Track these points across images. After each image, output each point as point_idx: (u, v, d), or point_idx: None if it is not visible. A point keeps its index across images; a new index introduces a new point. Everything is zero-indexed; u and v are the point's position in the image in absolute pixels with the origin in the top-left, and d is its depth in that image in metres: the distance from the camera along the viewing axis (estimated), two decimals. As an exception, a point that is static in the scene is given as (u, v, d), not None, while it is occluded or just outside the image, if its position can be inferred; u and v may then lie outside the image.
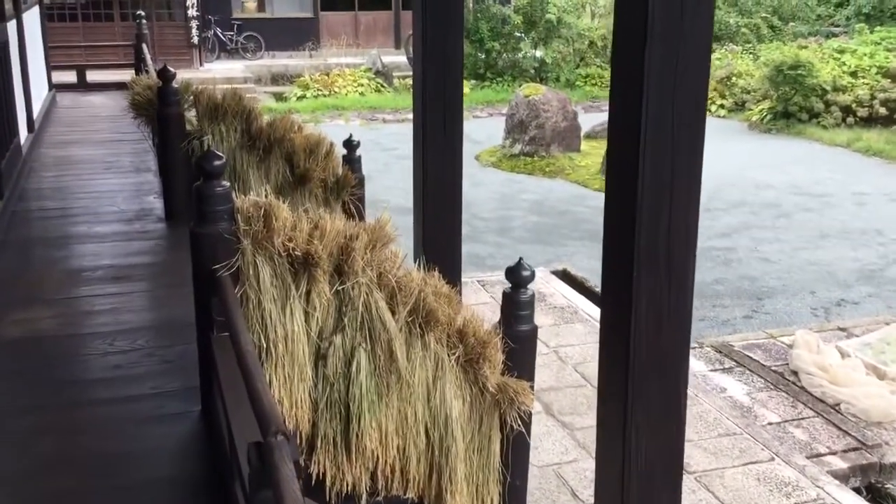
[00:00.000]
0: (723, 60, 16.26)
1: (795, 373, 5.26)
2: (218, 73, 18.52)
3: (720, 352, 5.62)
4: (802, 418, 4.79)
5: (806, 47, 14.94)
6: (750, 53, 17.22)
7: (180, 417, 2.87)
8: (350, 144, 5.33)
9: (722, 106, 15.29)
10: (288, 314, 2.82)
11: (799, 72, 13.32)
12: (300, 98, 16.95)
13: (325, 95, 16.86)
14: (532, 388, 3.10)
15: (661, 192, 2.87)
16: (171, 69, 4.86)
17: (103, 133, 7.72)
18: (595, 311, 6.21)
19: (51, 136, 7.56)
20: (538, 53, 17.77)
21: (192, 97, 4.96)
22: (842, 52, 14.65)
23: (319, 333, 2.86)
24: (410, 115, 16.98)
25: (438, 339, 3.00)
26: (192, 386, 2.99)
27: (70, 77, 10.65)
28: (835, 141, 12.96)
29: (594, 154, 11.86)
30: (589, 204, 9.92)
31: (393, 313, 2.93)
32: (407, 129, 16.03)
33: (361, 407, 2.88)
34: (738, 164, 11.98)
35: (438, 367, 3.01)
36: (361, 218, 5.42)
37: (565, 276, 7.32)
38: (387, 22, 22.03)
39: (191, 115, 5.04)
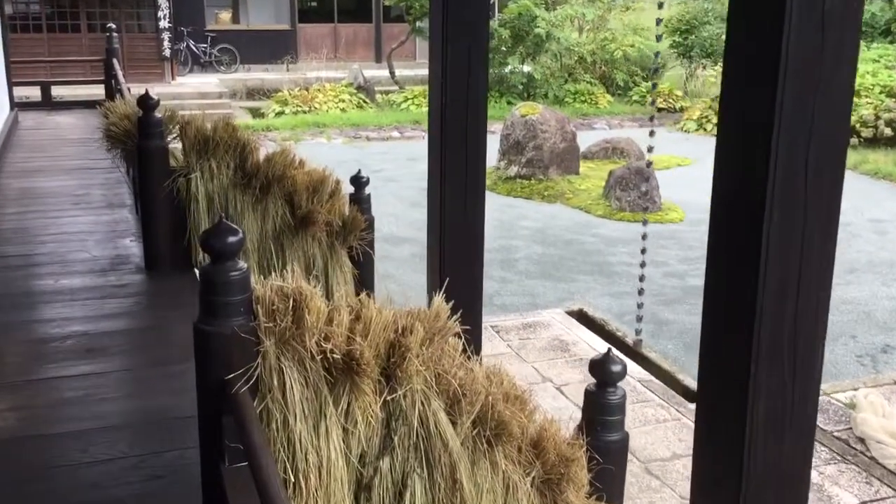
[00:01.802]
0: (719, 78, 15.84)
1: (862, 440, 4.66)
2: (191, 87, 17.77)
3: (772, 412, 5.01)
4: (882, 499, 4.19)
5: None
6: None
7: (180, 571, 2.19)
8: (358, 181, 4.69)
9: (708, 119, 14.82)
10: (322, 435, 2.16)
11: (802, 91, 12.75)
12: (278, 114, 16.22)
13: (304, 112, 16.13)
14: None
15: (789, 269, 2.28)
16: (154, 96, 4.17)
17: (71, 159, 6.99)
18: (627, 364, 5.58)
19: (12, 162, 6.82)
20: (526, 69, 17.20)
21: (178, 128, 4.28)
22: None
23: (361, 457, 2.22)
24: (395, 133, 16.36)
25: (509, 456, 2.37)
26: (191, 518, 2.31)
27: (32, 92, 9.87)
28: (840, 163, 12.43)
29: (593, 176, 11.27)
30: (595, 232, 9.32)
31: (454, 425, 2.29)
32: (392, 148, 15.50)
33: (416, 552, 2.24)
34: (743, 187, 11.45)
35: (510, 492, 2.38)
36: (371, 265, 4.78)
37: (582, 318, 6.70)
38: (367, 35, 21.38)
39: (175, 147, 4.38)
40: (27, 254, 4.56)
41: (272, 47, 20.24)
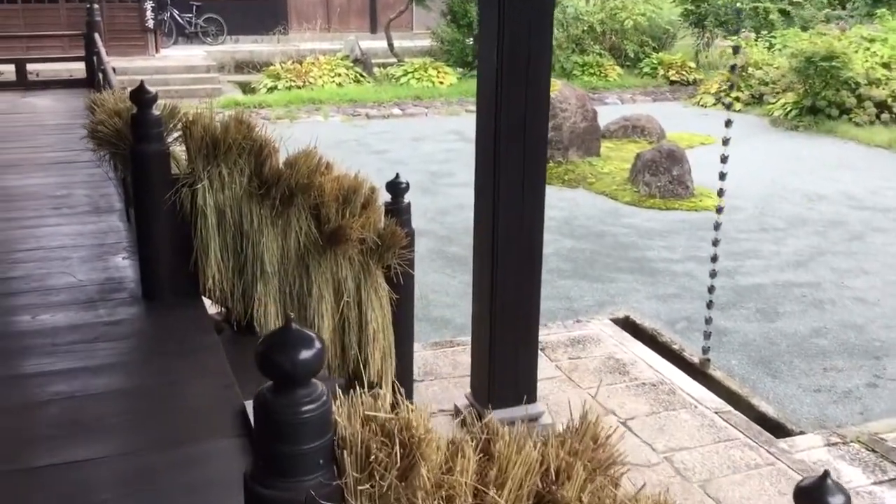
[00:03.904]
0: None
1: None
2: (176, 60, 16.82)
3: (874, 450, 4.33)
4: None
5: (824, 34, 13.74)
6: (765, 41, 16.01)
7: None
8: (396, 188, 3.93)
9: (737, 99, 14.04)
10: None
11: (833, 63, 12.12)
12: (270, 90, 15.30)
13: (298, 87, 15.22)
14: None
15: None
16: (150, 89, 3.37)
17: (50, 151, 6.17)
18: (697, 390, 4.87)
19: (-17, 155, 6.00)
20: (531, 40, 16.27)
21: (181, 127, 3.50)
22: (872, 40, 13.48)
23: None
24: (396, 110, 15.37)
25: None
26: None
27: (3, 69, 9.00)
28: (874, 141, 11.78)
29: (615, 158, 10.52)
30: (627, 223, 8.57)
31: None
32: (394, 127, 14.52)
33: None
34: (776, 168, 10.74)
35: None
36: (412, 287, 4.03)
37: (630, 327, 5.99)
38: (362, 4, 20.40)
39: (176, 147, 3.60)
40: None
41: (261, 17, 19.25)
